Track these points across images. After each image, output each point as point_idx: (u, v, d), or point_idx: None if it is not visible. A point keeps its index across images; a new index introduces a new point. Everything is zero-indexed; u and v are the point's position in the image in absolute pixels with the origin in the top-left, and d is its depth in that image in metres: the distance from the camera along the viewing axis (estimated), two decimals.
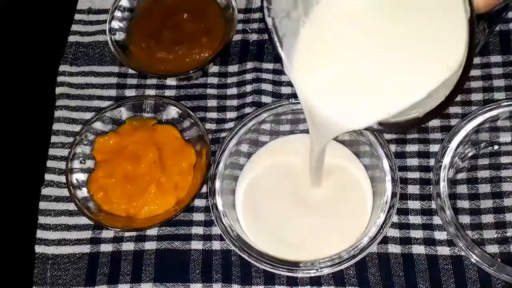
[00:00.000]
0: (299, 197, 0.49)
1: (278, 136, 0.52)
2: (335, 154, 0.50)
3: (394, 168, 0.46)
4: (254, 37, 0.57)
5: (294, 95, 0.54)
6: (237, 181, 0.51)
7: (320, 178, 0.49)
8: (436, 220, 0.48)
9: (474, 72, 0.53)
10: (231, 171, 0.50)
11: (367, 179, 0.50)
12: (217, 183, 0.47)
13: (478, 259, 0.43)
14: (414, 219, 0.48)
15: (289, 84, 0.54)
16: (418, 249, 0.47)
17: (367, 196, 0.49)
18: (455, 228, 0.44)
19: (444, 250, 0.47)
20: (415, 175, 0.50)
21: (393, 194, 0.45)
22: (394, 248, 0.47)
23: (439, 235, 0.47)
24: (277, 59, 0.55)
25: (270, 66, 0.55)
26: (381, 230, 0.44)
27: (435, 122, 0.52)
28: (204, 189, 0.48)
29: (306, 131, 0.51)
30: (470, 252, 0.44)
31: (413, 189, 0.49)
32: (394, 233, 0.48)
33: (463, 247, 0.44)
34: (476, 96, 0.52)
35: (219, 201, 0.47)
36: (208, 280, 0.47)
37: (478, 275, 0.46)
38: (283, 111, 0.50)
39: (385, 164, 0.46)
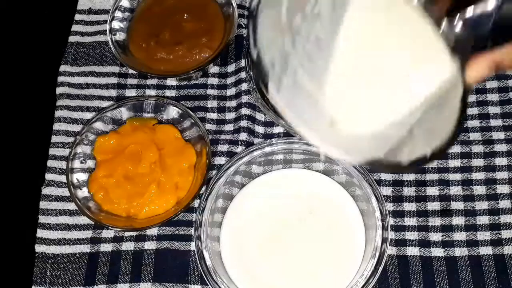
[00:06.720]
0: (286, 238, 0.48)
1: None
2: (330, 194, 0.49)
3: (384, 213, 0.45)
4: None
5: None
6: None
7: None
8: (432, 221, 0.49)
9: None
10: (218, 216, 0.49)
11: (362, 224, 0.48)
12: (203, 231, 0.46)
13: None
14: (410, 221, 0.49)
15: None
16: (413, 251, 0.48)
17: (359, 243, 0.47)
18: None
19: (438, 252, 0.48)
20: (411, 177, 0.50)
21: (384, 240, 0.44)
22: (389, 250, 0.48)
23: (434, 237, 0.48)
24: None
25: None
26: (369, 281, 0.43)
27: None
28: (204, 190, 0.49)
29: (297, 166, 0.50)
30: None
31: (408, 191, 0.50)
32: (390, 235, 0.48)
33: None
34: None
35: (206, 255, 0.45)
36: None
37: (472, 276, 0.47)
38: (272, 150, 0.49)
39: (376, 207, 0.46)
